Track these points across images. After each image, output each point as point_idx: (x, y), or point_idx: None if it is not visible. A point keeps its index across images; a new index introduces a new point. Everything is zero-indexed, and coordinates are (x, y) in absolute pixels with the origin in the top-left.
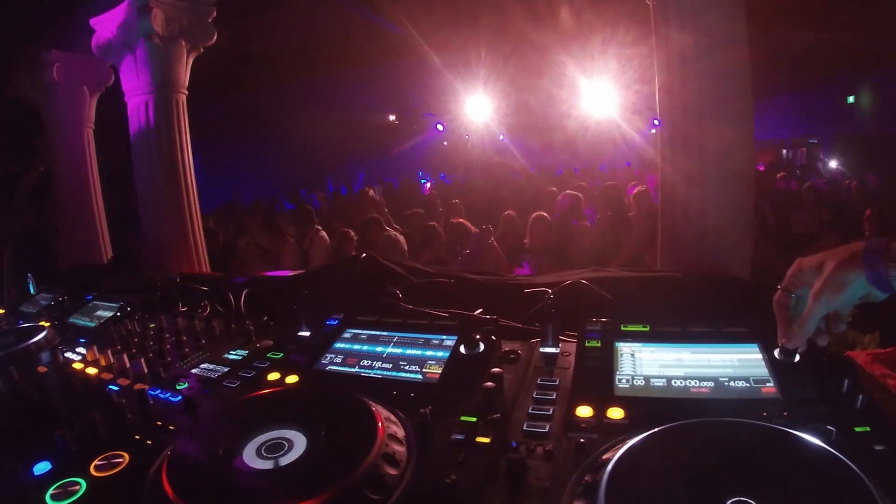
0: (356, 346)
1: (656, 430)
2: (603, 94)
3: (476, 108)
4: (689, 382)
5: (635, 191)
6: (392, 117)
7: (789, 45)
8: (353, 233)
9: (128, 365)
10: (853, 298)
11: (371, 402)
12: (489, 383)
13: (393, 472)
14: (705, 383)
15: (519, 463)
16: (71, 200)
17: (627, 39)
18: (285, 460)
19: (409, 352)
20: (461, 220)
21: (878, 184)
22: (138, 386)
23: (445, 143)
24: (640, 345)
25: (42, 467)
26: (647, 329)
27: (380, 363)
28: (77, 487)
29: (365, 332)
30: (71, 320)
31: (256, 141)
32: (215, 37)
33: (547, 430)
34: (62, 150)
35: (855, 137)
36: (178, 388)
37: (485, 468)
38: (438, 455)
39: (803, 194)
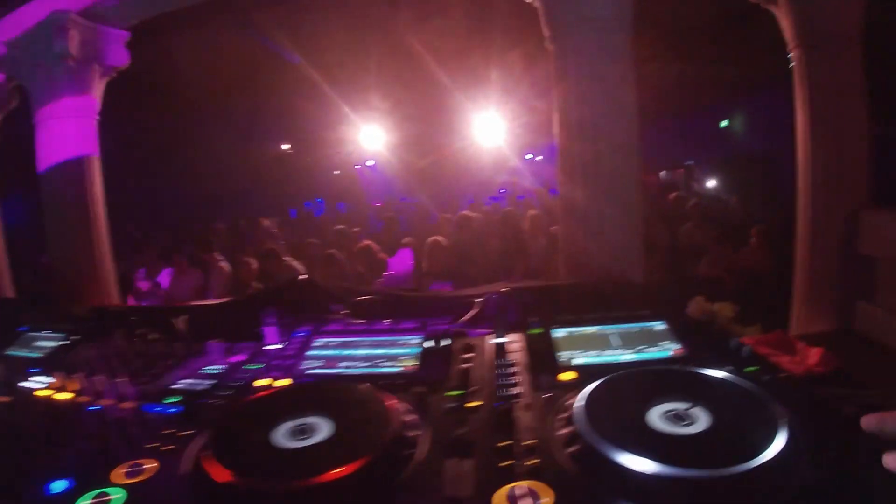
0: (329, 352)
1: (611, 375)
2: (494, 125)
3: (369, 138)
4: (616, 351)
5: (530, 213)
6: (286, 146)
7: (667, 77)
8: (252, 261)
9: (106, 386)
10: None
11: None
12: (466, 364)
13: (414, 433)
14: (629, 351)
15: (510, 412)
16: None
17: (518, 72)
18: (323, 437)
19: (382, 351)
20: (368, 242)
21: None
22: (126, 404)
23: (338, 172)
24: (572, 328)
25: (59, 485)
26: (576, 317)
27: (358, 363)
28: (116, 495)
29: (334, 339)
30: (8, 353)
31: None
32: (128, 61)
33: (520, 392)
34: None
35: (728, 158)
36: (168, 401)
37: (483, 422)
38: (442, 419)
39: (689, 211)
